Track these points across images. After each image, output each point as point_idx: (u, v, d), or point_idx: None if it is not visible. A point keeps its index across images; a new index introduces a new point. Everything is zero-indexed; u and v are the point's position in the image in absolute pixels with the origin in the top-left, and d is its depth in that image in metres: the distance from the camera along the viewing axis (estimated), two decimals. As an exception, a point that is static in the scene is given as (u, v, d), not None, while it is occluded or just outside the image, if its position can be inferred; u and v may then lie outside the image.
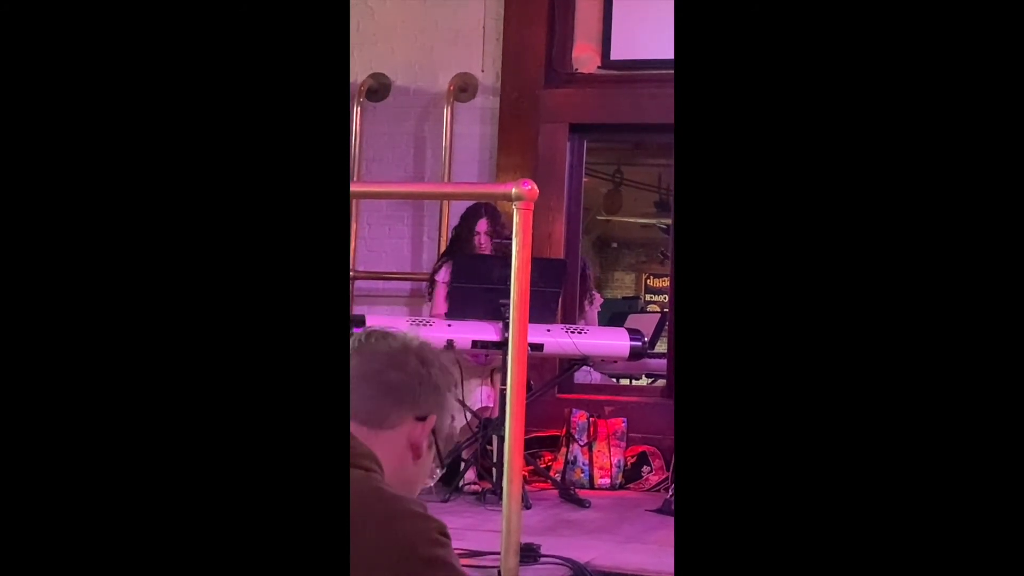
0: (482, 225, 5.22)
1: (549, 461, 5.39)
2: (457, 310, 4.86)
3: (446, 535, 1.56)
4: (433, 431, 1.71)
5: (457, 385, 1.78)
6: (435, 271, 5.33)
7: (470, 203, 5.38)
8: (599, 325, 6.13)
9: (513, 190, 3.03)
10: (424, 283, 5.70)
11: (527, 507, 4.32)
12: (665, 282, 11.33)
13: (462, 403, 4.82)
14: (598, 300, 6.27)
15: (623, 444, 5.40)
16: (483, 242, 5.21)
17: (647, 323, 7.36)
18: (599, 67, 5.88)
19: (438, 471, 1.80)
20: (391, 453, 1.66)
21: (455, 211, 5.69)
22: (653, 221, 10.42)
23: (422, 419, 1.70)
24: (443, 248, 5.72)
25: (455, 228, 5.42)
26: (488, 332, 4.76)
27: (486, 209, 5.23)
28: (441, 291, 5.15)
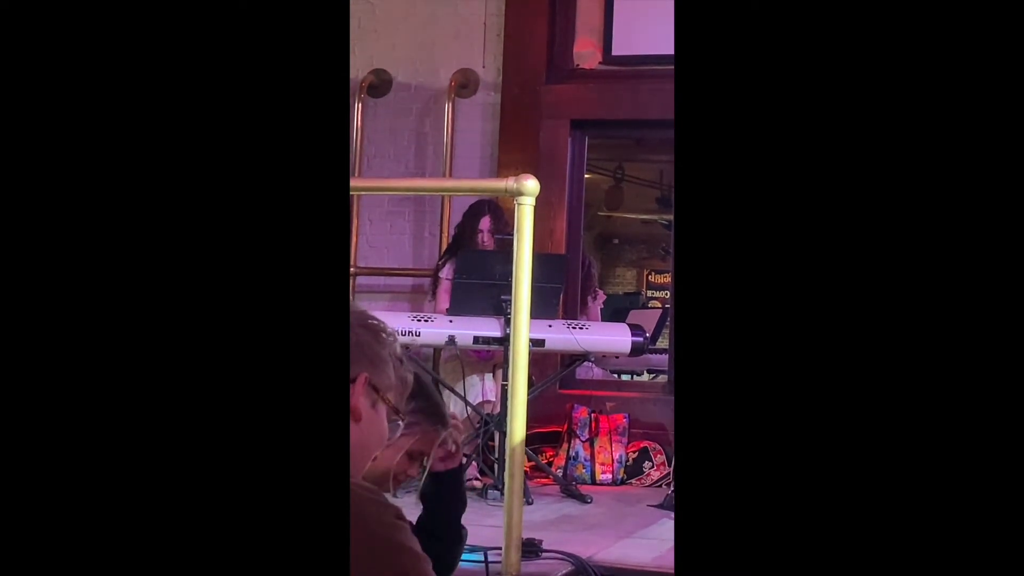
0: (485, 223, 5.23)
1: (551, 456, 5.40)
2: (459, 306, 4.86)
3: (402, 518, 1.52)
4: (373, 387, 1.64)
5: (389, 333, 1.71)
6: (439, 268, 5.34)
7: (472, 200, 5.38)
8: (601, 321, 6.13)
9: (515, 185, 3.03)
10: (426, 279, 5.70)
11: (529, 502, 4.32)
12: (667, 278, 11.31)
13: (463, 399, 4.83)
14: (601, 296, 6.26)
15: (625, 439, 5.40)
16: (486, 240, 5.22)
17: (649, 319, 7.36)
18: (600, 63, 5.87)
19: (400, 423, 1.72)
20: None
21: (456, 207, 5.69)
22: (654, 217, 10.41)
23: (351, 382, 1.61)
24: (444, 244, 5.72)
25: (458, 225, 5.43)
26: (490, 328, 4.76)
27: (489, 207, 5.25)
28: (445, 287, 5.16)
